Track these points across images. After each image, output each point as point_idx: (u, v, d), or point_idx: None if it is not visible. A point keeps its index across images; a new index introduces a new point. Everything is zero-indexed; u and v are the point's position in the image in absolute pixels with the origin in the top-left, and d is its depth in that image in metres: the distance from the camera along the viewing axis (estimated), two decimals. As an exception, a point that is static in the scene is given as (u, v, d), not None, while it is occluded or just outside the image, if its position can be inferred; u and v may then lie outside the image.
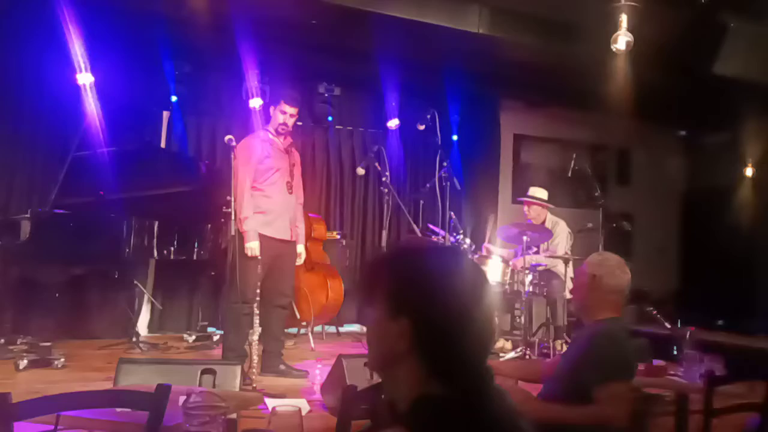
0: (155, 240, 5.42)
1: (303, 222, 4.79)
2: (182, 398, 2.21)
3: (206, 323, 6.30)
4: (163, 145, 6.68)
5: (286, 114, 4.52)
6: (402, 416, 1.10)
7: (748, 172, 8.01)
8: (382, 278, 1.17)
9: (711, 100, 6.75)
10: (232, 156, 4.34)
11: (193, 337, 5.94)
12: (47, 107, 6.01)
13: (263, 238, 4.36)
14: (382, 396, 1.48)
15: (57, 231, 4.76)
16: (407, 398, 1.10)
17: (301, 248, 4.72)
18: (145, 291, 6.21)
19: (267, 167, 4.44)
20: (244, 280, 4.22)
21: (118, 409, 2.01)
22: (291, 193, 4.56)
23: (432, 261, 1.16)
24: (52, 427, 1.73)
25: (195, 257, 5.77)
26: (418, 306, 1.10)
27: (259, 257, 4.29)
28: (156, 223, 5.39)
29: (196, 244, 5.77)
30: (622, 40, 4.77)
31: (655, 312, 5.63)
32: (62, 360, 4.53)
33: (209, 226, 5.90)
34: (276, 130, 4.55)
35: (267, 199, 4.43)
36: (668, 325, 5.57)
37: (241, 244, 4.29)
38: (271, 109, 4.60)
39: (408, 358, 1.11)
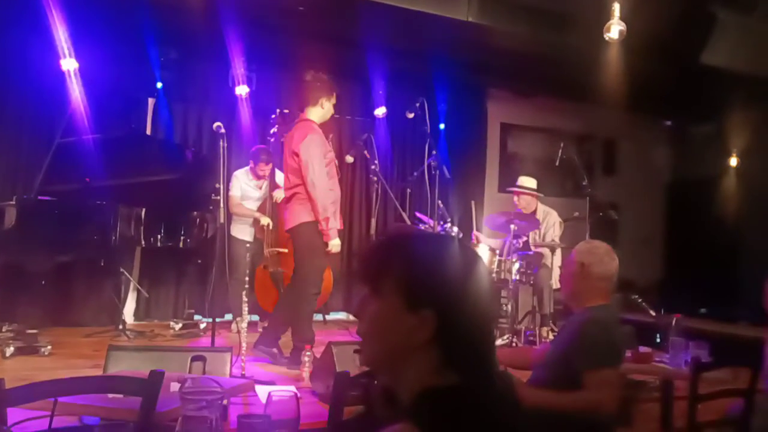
0: (142, 228, 5.39)
1: None
2: (174, 384, 2.22)
3: (193, 311, 6.27)
4: (148, 132, 6.62)
5: (334, 105, 4.62)
6: (407, 409, 1.06)
7: (733, 162, 8.10)
8: (394, 268, 1.11)
9: (697, 91, 6.80)
10: (221, 143, 4.33)
11: (180, 325, 5.92)
12: (31, 93, 5.94)
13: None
14: (375, 382, 1.48)
15: (42, 218, 4.72)
16: (412, 390, 1.07)
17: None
18: (131, 279, 6.18)
19: (329, 160, 4.45)
20: (317, 272, 4.42)
21: (110, 395, 2.01)
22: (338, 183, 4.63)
23: (444, 249, 1.12)
24: (43, 413, 1.73)
25: (181, 245, 5.74)
26: (443, 297, 1.07)
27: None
28: (143, 211, 5.36)
29: (182, 232, 5.75)
30: (615, 29, 4.77)
31: (640, 300, 5.70)
32: (49, 347, 4.51)
33: (196, 213, 5.87)
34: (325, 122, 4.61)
35: (332, 193, 4.45)
36: (653, 313, 5.64)
37: (313, 241, 4.34)
38: (323, 101, 4.54)
39: (423, 349, 1.07)
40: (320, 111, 4.56)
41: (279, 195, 6.15)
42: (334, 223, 4.35)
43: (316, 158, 4.31)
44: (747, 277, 7.27)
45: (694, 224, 8.05)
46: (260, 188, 6.19)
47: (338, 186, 4.60)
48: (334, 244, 4.35)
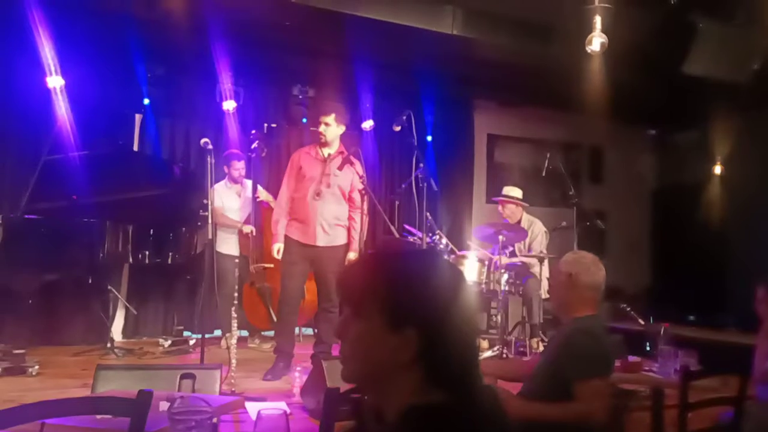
0: (130, 244, 5.36)
1: (359, 229, 4.79)
2: (163, 403, 2.21)
3: (182, 327, 6.23)
4: (136, 148, 6.60)
5: (320, 123, 4.78)
6: (393, 428, 1.06)
7: (717, 169, 8.17)
8: (375, 288, 1.10)
9: (680, 99, 6.87)
10: (208, 159, 4.34)
11: (169, 342, 5.87)
12: (17, 111, 5.90)
13: (295, 244, 4.66)
14: (366, 397, 1.47)
15: (29, 237, 4.69)
16: (397, 408, 1.06)
17: (352, 255, 4.75)
18: (119, 296, 6.13)
19: (301, 176, 4.73)
20: (284, 284, 4.70)
21: (98, 416, 2.00)
22: (318, 199, 4.65)
23: (425, 267, 1.11)
24: (31, 436, 1.71)
25: (170, 261, 5.71)
26: (426, 317, 1.06)
27: (279, 257, 4.69)
28: (130, 227, 5.33)
29: (171, 248, 5.72)
30: (596, 42, 4.82)
31: (628, 309, 5.71)
32: (36, 367, 4.47)
33: (184, 229, 5.85)
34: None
35: (299, 207, 4.70)
36: (641, 322, 5.65)
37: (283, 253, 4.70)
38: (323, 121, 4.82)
39: (407, 368, 1.06)
40: (325, 131, 4.79)
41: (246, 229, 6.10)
42: (279, 229, 4.68)
43: (285, 175, 4.85)
44: (734, 284, 7.34)
45: (680, 232, 8.11)
46: (239, 195, 6.18)
47: (312, 200, 4.66)
48: (273, 248, 4.67)
